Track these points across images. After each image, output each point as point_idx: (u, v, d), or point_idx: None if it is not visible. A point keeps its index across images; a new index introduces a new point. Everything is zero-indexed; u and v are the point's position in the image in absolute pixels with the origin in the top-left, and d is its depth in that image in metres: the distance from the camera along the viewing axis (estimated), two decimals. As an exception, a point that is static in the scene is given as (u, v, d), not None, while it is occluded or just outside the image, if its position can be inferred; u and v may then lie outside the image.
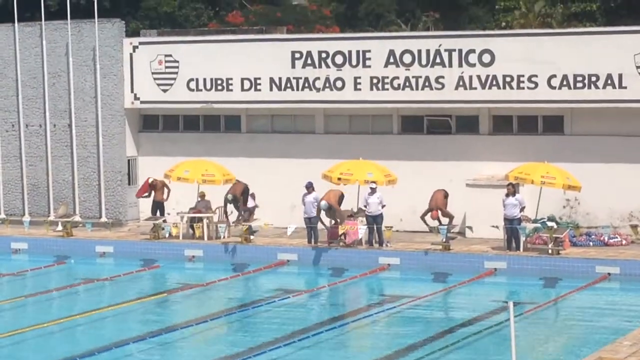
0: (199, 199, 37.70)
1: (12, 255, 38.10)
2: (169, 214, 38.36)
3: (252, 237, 36.64)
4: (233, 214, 37.26)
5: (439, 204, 33.52)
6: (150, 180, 38.95)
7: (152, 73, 39.91)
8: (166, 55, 39.89)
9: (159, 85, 39.92)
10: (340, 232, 34.87)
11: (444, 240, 33.68)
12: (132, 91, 40.28)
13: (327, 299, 30.52)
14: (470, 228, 35.30)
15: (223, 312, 28.29)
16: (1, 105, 41.93)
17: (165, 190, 38.76)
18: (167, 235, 37.36)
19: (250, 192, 37.27)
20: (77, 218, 40.39)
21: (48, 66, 41.27)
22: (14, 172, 42.12)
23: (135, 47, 40.39)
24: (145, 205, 40.24)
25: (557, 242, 32.50)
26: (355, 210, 35.52)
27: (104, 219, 40.42)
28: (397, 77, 36.52)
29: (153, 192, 38.63)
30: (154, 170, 39.47)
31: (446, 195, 33.83)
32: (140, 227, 39.88)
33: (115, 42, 40.56)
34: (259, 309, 28.26)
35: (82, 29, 40.95)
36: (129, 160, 41.05)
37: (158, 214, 38.57)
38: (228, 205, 36.93)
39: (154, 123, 41.34)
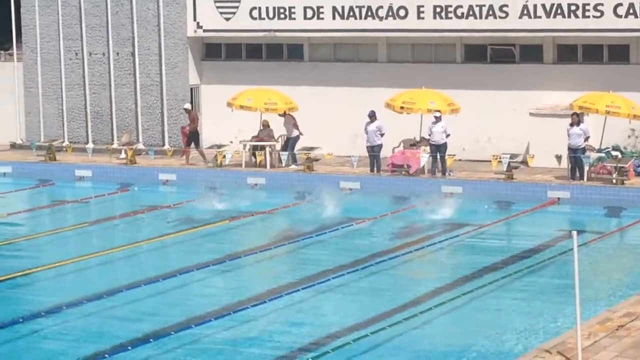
0: (262, 128, 38.06)
1: (76, 182, 38.64)
2: (231, 142, 38.76)
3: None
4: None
5: None
6: (186, 106, 39.71)
7: (215, 1, 40.24)
8: (229, -13, 40.23)
9: (221, 13, 40.23)
10: (401, 161, 35.36)
11: (508, 169, 34.05)
12: (194, 19, 40.65)
13: (390, 226, 30.76)
14: (530, 157, 35.38)
15: (287, 238, 29.00)
16: (65, 34, 42.40)
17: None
18: (224, 162, 37.95)
19: (293, 122, 37.94)
20: (140, 146, 40.91)
21: (110, -3, 41.77)
22: (78, 100, 42.64)
23: (196, -23, 40.73)
24: (207, 134, 40.78)
25: (622, 171, 32.66)
26: (418, 139, 35.80)
27: (166, 147, 40.85)
28: (461, 6, 36.67)
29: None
30: (217, 99, 39.97)
31: None
32: (205, 154, 39.67)
33: (178, -31, 40.95)
34: (323, 236, 28.84)
35: (145, -44, 41.36)
36: (191, 89, 41.50)
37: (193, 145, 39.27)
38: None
39: (216, 52, 41.75)
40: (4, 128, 44.40)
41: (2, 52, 54.82)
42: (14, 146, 43.82)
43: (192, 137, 39.32)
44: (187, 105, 40.11)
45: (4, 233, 31.59)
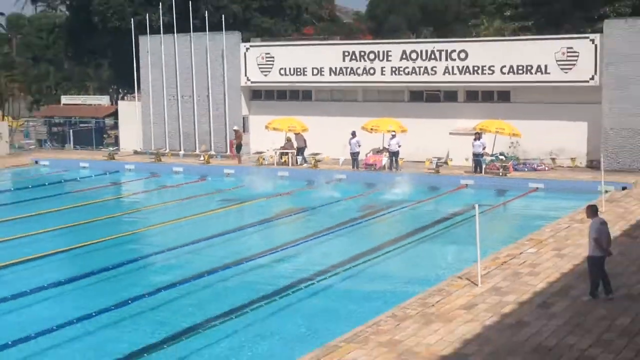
0: (286, 141, 38.25)
1: (173, 175, 38.56)
2: (267, 150, 38.93)
3: (306, 164, 37.14)
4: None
5: None
6: (235, 128, 39.90)
7: (258, 65, 40.36)
8: (266, 54, 40.27)
9: (261, 72, 40.41)
10: (371, 161, 35.58)
11: (435, 167, 34.26)
12: (245, 75, 40.77)
13: (364, 201, 30.74)
14: (450, 160, 35.69)
15: (300, 208, 29.07)
16: (166, 84, 42.61)
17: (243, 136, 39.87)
18: (263, 162, 38.00)
19: (303, 138, 38.24)
20: (212, 152, 40.87)
21: (194, 61, 41.83)
22: (174, 124, 43.06)
23: (247, 49, 40.82)
24: (252, 145, 40.94)
25: (505, 168, 32.94)
26: (381, 148, 35.99)
27: (228, 153, 41.03)
28: (408, 67, 36.88)
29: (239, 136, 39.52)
30: (259, 123, 40.25)
31: None
32: (250, 158, 39.98)
33: (235, 45, 40.99)
34: (325, 206, 28.84)
35: (215, 38, 41.45)
36: (243, 117, 41.44)
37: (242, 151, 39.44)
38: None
39: (258, 95, 41.72)
40: (130, 141, 44.60)
41: (128, 95, 54.95)
42: (136, 152, 43.87)
43: (237, 147, 39.47)
44: (236, 127, 40.27)
45: (138, 202, 32.08)
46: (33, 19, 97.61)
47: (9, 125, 50.98)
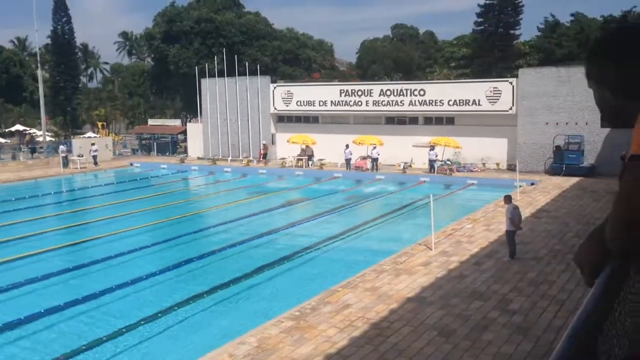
0: (301, 151, 38.20)
1: (224, 173, 38.16)
2: (287, 157, 38.88)
3: (316, 165, 37.11)
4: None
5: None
6: (263, 142, 39.98)
7: (282, 98, 40.30)
8: (287, 91, 40.20)
9: (284, 102, 40.32)
10: (358, 164, 35.52)
11: (403, 169, 34.22)
12: (273, 105, 40.71)
13: (354, 192, 30.62)
14: (413, 164, 35.55)
15: (313, 196, 29.01)
16: (219, 111, 42.52)
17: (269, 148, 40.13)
18: (285, 165, 37.84)
19: (312, 149, 38.13)
20: (250, 158, 40.67)
21: (238, 95, 41.79)
22: (224, 138, 42.68)
23: (274, 87, 40.66)
24: (278, 154, 40.80)
25: (451, 170, 32.85)
26: (366, 155, 35.85)
27: (259, 159, 40.72)
28: (384, 101, 36.77)
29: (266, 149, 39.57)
30: (283, 139, 40.16)
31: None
32: (276, 162, 39.79)
33: (266, 85, 40.87)
34: (328, 196, 28.76)
35: (253, 80, 41.29)
36: (272, 134, 41.33)
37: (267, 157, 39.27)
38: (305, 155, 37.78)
39: (282, 119, 41.53)
40: (195, 150, 44.64)
41: (193, 119, 54.92)
42: (199, 158, 43.88)
43: (264, 155, 39.56)
44: (264, 142, 40.36)
45: (200, 191, 31.90)
46: (129, 66, 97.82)
47: (112, 139, 51.15)
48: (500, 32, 52.06)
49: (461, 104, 34.65)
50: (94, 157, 40.99)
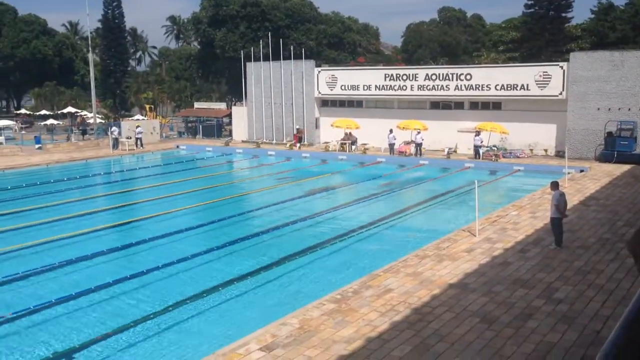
0: (345, 135, 38.06)
1: (268, 156, 38.25)
2: (330, 141, 38.82)
3: (362, 150, 36.98)
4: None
5: None
6: (297, 127, 40.15)
7: (326, 82, 40.15)
8: (332, 75, 39.99)
9: (328, 87, 40.17)
10: (402, 149, 35.25)
11: (447, 154, 33.80)
12: (317, 89, 40.62)
13: (398, 176, 30.35)
14: (457, 149, 35.01)
15: (357, 179, 28.98)
16: (264, 95, 42.64)
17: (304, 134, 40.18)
18: (329, 149, 37.78)
19: (354, 134, 37.82)
20: (292, 142, 40.75)
21: (283, 79, 41.81)
22: (278, 121, 42.97)
23: (319, 72, 40.48)
24: (322, 137, 40.79)
25: (496, 156, 32.26)
26: (410, 140, 35.49)
27: (306, 142, 40.61)
28: (429, 85, 36.24)
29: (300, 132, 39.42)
30: (326, 123, 40.12)
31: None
32: (320, 146, 39.87)
33: (311, 69, 40.73)
34: (372, 180, 28.67)
35: (297, 64, 41.23)
36: (316, 119, 41.20)
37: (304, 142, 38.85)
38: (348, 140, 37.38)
39: (326, 103, 41.37)
40: (239, 133, 44.95)
41: (238, 102, 55.39)
42: (243, 141, 44.18)
43: (300, 139, 39.45)
44: (298, 127, 40.39)
45: (244, 174, 32.15)
46: (176, 50, 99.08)
47: (160, 122, 52.06)
48: (552, 15, 50.55)
49: (509, 88, 33.88)
50: (139, 139, 41.82)
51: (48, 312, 12.09)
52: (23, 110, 76.40)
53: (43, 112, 68.81)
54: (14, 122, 57.45)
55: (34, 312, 12.00)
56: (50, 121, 57.76)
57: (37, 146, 41.15)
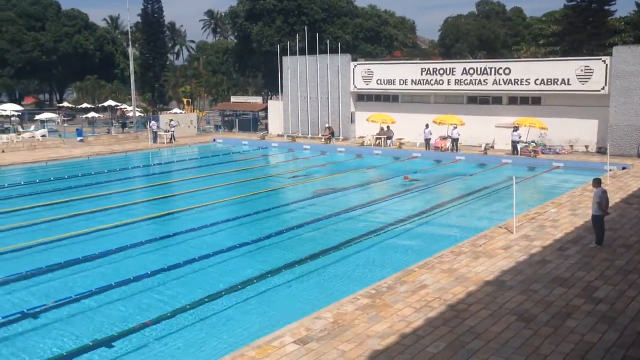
0: (380, 130, 37.85)
1: (303, 150, 38.23)
2: (365, 136, 38.67)
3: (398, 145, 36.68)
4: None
5: None
6: (327, 125, 39.86)
7: (362, 77, 40.02)
8: (368, 69, 39.83)
9: (364, 81, 40.02)
10: (438, 145, 34.92)
11: (484, 149, 33.34)
12: (353, 83, 40.50)
13: (433, 171, 29.84)
14: (495, 145, 34.50)
15: (393, 173, 28.76)
16: (300, 89, 42.68)
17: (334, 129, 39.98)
18: (364, 143, 37.67)
19: (391, 129, 37.49)
20: (328, 136, 40.55)
21: (319, 73, 41.76)
22: (304, 116, 42.88)
23: (355, 66, 40.35)
24: (357, 132, 40.69)
25: (535, 152, 31.73)
26: (446, 135, 35.14)
27: (341, 137, 40.69)
28: (467, 80, 35.79)
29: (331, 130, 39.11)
30: (362, 117, 40.03)
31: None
32: (355, 140, 39.78)
33: (347, 63, 40.60)
34: (411, 173, 28.48)
35: (333, 58, 41.12)
36: (351, 113, 41.07)
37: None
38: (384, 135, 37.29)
39: (362, 97, 41.22)
40: (275, 127, 45.18)
41: (274, 96, 55.61)
42: (279, 135, 44.34)
43: (332, 133, 39.31)
44: (327, 125, 40.28)
45: (280, 168, 32.27)
46: (213, 44, 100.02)
47: (197, 116, 52.64)
48: (594, 8, 49.21)
49: (549, 83, 33.18)
50: (172, 133, 42.06)
51: (89, 300, 12.37)
52: (65, 104, 78.25)
53: (84, 105, 70.29)
54: (57, 115, 58.93)
55: (75, 301, 12.30)
56: (91, 114, 58.98)
57: (78, 139, 42.10)
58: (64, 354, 9.87)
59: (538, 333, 9.40)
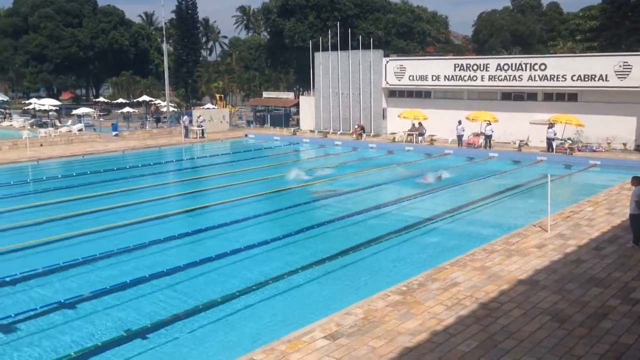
0: (412, 126, 37.62)
1: (335, 146, 38.41)
2: (397, 132, 38.47)
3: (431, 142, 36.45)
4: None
5: None
6: (356, 126, 39.58)
7: (394, 73, 39.82)
8: (400, 65, 39.63)
9: (396, 77, 39.83)
10: (471, 141, 34.54)
11: (518, 147, 32.86)
12: (385, 79, 40.34)
13: (467, 167, 29.48)
14: (529, 142, 33.98)
15: (425, 170, 28.56)
16: (332, 85, 42.64)
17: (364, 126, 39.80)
18: (395, 140, 37.40)
19: (423, 125, 37.18)
20: (363, 133, 40.56)
21: (351, 69, 41.69)
22: (335, 112, 42.91)
23: (387, 62, 40.20)
24: (389, 128, 40.51)
25: (571, 149, 31.15)
26: (479, 132, 34.75)
27: (372, 133, 40.46)
28: (501, 76, 35.32)
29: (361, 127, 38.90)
30: (393, 114, 39.81)
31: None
32: (387, 136, 39.59)
33: (379, 59, 40.46)
34: (435, 173, 28.05)
35: (365, 54, 41.02)
36: (383, 109, 40.96)
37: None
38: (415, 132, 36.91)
39: (394, 93, 41.07)
40: (307, 123, 45.23)
41: (306, 92, 55.66)
42: (310, 131, 44.41)
43: (362, 130, 39.14)
44: (358, 123, 40.15)
45: (311, 163, 32.36)
46: (246, 40, 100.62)
47: (229, 111, 53.08)
48: (633, 2, 48.07)
49: (586, 79, 32.51)
50: (201, 128, 42.25)
51: (123, 292, 12.57)
52: (101, 99, 79.72)
53: (120, 100, 71.48)
54: (93, 110, 60.08)
55: (110, 292, 12.52)
56: (126, 109, 59.93)
57: (114, 133, 42.84)
58: (99, 344, 10.07)
59: (572, 333, 9.23)
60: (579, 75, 32.75)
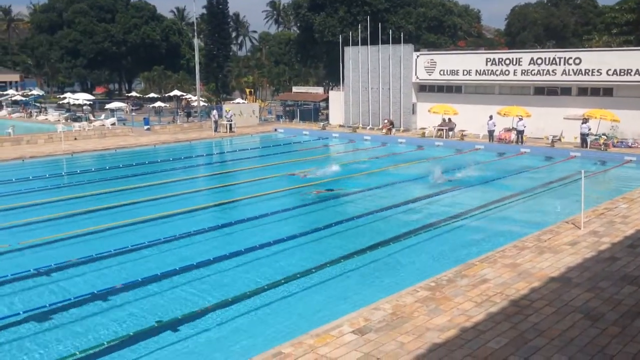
0: (442, 121, 37.31)
1: (364, 141, 38.33)
2: (427, 127, 38.20)
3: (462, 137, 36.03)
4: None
5: None
6: (385, 121, 39.35)
7: (424, 67, 39.54)
8: (431, 60, 39.33)
9: (426, 72, 39.54)
10: (503, 137, 34.09)
11: (551, 142, 32.34)
12: (415, 74, 40.06)
13: (498, 163, 29.07)
14: (562, 137, 33.40)
15: (458, 164, 28.32)
16: (361, 80, 42.55)
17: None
18: (425, 135, 37.16)
19: (453, 120, 36.91)
20: (392, 128, 40.28)
21: (381, 64, 41.50)
22: (365, 107, 42.80)
23: (417, 56, 39.95)
24: (418, 124, 40.23)
25: (606, 145, 30.57)
26: (510, 127, 34.27)
27: (401, 128, 40.32)
28: (534, 70, 34.78)
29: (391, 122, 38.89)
30: (423, 108, 39.55)
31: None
32: (416, 132, 39.37)
33: (409, 54, 40.20)
34: (465, 168, 27.71)
35: (396, 48, 40.81)
36: (413, 104, 40.70)
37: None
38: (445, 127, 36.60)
39: (424, 88, 40.80)
40: (336, 117, 45.28)
41: (336, 87, 55.56)
42: (340, 125, 44.50)
43: (392, 124, 38.82)
44: (387, 118, 39.93)
45: (341, 158, 32.27)
46: (275, 35, 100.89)
47: (259, 106, 53.34)
48: (673, -6, 46.83)
49: (622, 73, 31.81)
50: (230, 123, 42.47)
51: (153, 285, 12.77)
52: (133, 93, 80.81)
53: (151, 95, 72.38)
54: (125, 104, 60.96)
55: (141, 285, 12.72)
56: (157, 104, 60.64)
57: (145, 127, 43.43)
58: (131, 334, 10.26)
59: (605, 332, 9.07)
60: (615, 70, 32.04)
